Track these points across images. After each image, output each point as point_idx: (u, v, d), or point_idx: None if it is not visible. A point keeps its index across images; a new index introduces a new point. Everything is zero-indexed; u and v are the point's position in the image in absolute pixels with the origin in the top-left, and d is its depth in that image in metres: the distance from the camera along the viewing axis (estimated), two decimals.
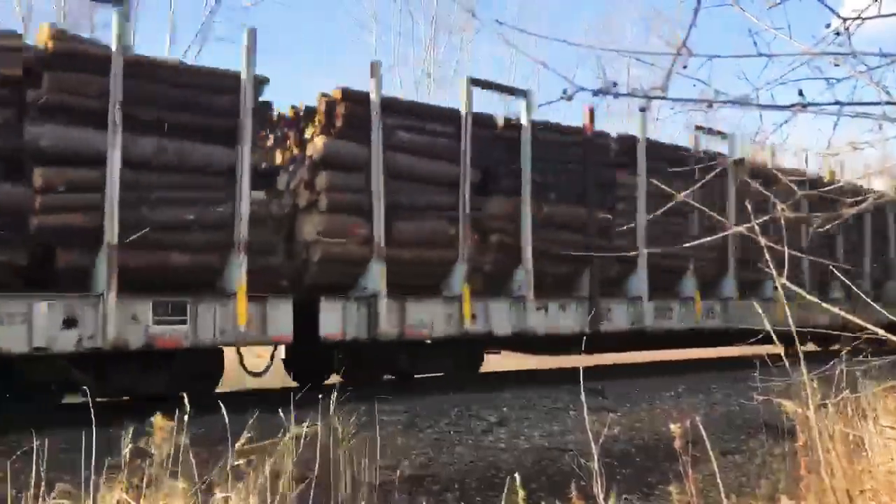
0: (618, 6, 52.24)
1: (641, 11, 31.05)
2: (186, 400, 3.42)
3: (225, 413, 3.54)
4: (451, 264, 9.54)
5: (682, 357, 14.59)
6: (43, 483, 3.29)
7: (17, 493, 3.57)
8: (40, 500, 3.26)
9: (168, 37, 22.33)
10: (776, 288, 2.86)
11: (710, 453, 3.20)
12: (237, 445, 3.26)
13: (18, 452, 4.56)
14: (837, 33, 2.44)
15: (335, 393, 3.93)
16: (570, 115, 12.35)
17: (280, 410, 3.76)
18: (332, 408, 3.83)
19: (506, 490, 3.61)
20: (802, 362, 2.87)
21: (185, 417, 3.28)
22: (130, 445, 3.00)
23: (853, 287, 5.07)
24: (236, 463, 3.23)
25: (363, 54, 30.66)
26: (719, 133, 12.79)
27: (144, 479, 2.98)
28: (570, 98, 2.08)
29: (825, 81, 2.54)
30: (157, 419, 2.96)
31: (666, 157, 10.84)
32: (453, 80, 28.72)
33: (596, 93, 2.10)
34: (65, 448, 5.41)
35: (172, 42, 22.36)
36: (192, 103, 7.85)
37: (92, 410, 3.53)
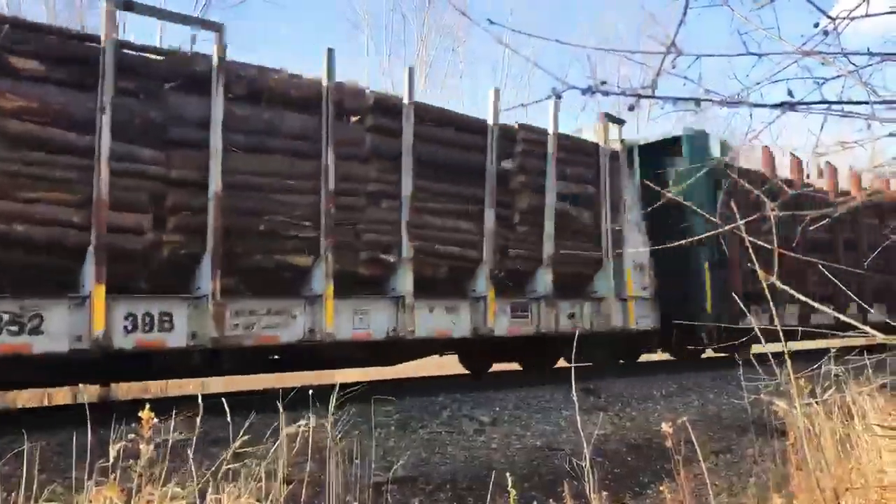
0: (610, 7, 52.44)
1: (633, 12, 31.17)
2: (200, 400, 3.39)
3: (223, 412, 3.54)
4: None
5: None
6: (35, 484, 3.28)
7: (7, 496, 3.55)
8: (32, 502, 3.25)
9: (159, 34, 22.22)
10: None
11: (699, 453, 3.22)
12: (232, 448, 3.24)
13: (9, 454, 4.55)
14: (826, 32, 2.46)
15: (334, 393, 3.92)
16: (568, 117, 12.06)
17: (277, 409, 3.76)
18: (331, 407, 3.82)
19: (491, 487, 3.63)
20: (789, 362, 2.89)
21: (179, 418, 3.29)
22: (122, 443, 2.99)
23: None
24: (229, 467, 3.22)
25: (357, 55, 30.67)
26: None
27: (136, 481, 2.97)
28: (559, 96, 2.08)
29: (814, 81, 2.56)
30: (145, 412, 2.94)
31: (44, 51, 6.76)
32: (445, 81, 28.81)
33: (585, 91, 2.10)
34: (57, 450, 5.41)
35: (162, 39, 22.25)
36: None
37: (88, 410, 3.52)
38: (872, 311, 12.55)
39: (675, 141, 12.93)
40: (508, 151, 10.25)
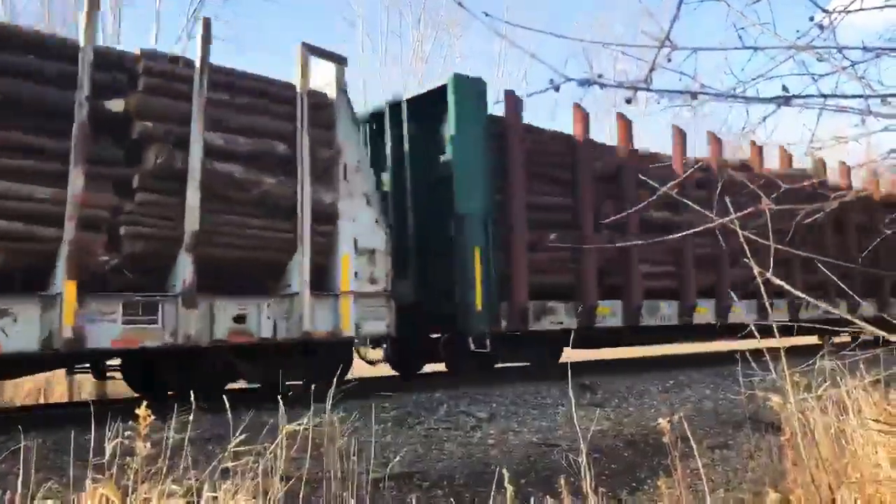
0: (608, 7, 52.50)
1: (630, 11, 31.18)
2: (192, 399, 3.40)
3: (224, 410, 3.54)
4: None
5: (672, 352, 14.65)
6: (32, 483, 3.28)
7: (2, 494, 3.55)
8: (28, 500, 3.25)
9: (154, 33, 22.20)
10: None
11: (695, 448, 3.23)
12: (231, 446, 3.24)
13: (6, 452, 4.55)
14: (821, 27, 2.47)
15: (331, 390, 3.92)
16: (566, 115, 11.65)
17: (277, 407, 3.76)
18: (328, 405, 3.83)
19: (494, 485, 3.63)
20: (783, 357, 2.90)
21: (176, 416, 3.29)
22: (117, 440, 2.99)
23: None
24: (226, 466, 3.21)
25: (353, 53, 30.66)
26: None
27: (131, 479, 2.96)
28: (556, 88, 2.08)
29: (809, 76, 2.56)
30: (142, 410, 2.94)
31: None
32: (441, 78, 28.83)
33: (581, 83, 2.10)
34: (53, 447, 5.41)
35: (157, 39, 22.22)
36: None
37: (92, 409, 3.52)
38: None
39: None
40: (120, 87, 7.29)
